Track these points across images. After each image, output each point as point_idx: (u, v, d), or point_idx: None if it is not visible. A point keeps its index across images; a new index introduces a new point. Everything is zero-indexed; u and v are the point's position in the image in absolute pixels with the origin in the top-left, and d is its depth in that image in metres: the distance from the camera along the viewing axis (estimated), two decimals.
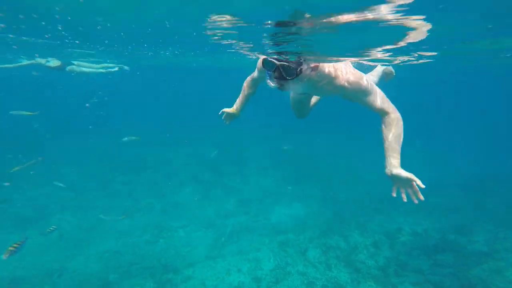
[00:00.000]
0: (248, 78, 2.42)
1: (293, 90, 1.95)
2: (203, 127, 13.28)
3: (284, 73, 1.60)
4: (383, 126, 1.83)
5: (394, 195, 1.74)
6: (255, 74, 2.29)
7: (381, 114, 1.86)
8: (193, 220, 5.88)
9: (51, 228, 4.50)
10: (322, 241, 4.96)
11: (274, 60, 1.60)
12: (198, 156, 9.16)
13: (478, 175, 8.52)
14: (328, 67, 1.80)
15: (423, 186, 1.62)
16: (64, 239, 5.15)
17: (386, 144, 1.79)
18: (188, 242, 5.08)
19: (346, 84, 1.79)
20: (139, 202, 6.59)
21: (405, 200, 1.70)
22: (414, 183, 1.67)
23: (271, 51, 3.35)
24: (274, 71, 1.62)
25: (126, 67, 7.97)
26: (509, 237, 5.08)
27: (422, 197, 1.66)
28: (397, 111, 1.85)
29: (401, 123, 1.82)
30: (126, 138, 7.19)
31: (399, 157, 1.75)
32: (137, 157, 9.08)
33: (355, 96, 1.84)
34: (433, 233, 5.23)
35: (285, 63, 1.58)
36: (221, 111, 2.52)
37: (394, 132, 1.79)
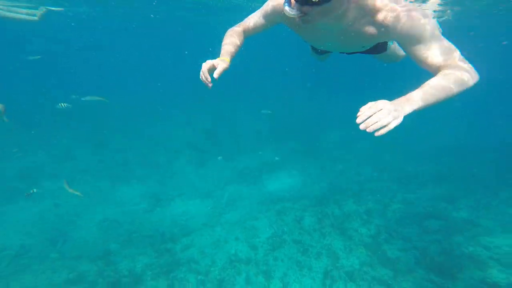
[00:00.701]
0: (237, 28, 1.75)
1: (317, 29, 1.42)
2: (195, 93, 12.36)
3: None
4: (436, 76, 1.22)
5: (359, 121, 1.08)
6: (253, 23, 1.69)
7: (440, 71, 1.26)
8: (190, 189, 5.88)
9: (32, 191, 4.43)
10: (317, 209, 5.11)
11: None
12: (192, 124, 8.72)
13: (476, 143, 8.59)
14: None
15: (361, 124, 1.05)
16: (60, 207, 5.12)
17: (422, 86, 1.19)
18: (185, 211, 5.15)
19: (393, 20, 1.25)
20: (134, 170, 6.44)
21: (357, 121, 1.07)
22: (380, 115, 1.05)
23: None
24: None
25: (57, 8, 6.23)
26: (490, 204, 5.37)
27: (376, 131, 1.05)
28: (473, 69, 1.22)
29: (465, 83, 1.18)
30: (88, 97, 6.11)
31: (418, 100, 1.13)
32: (131, 124, 8.60)
33: (405, 43, 1.28)
34: (424, 201, 5.45)
35: None
36: (209, 65, 1.50)
37: (446, 79, 1.17)
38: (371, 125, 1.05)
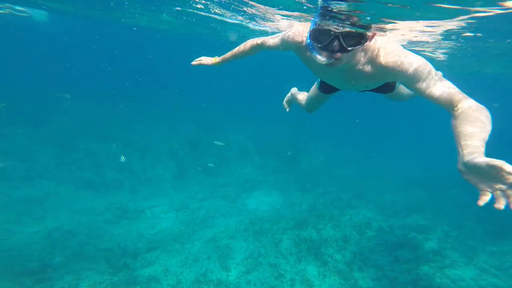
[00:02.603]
0: (255, 41, 1.97)
1: (340, 69, 1.52)
2: (181, 101, 12.29)
3: (346, 43, 1.31)
4: (454, 122, 1.26)
5: (481, 203, 0.98)
6: (271, 42, 1.87)
7: (448, 107, 1.34)
8: (164, 201, 5.54)
9: None
10: (295, 232, 5.01)
11: (333, 28, 1.32)
12: (175, 132, 8.47)
13: (443, 176, 9.22)
14: (373, 43, 1.46)
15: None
16: None
17: (458, 133, 1.18)
18: (154, 224, 4.79)
19: (387, 63, 1.41)
20: (103, 176, 5.96)
21: (501, 206, 0.94)
22: (503, 171, 0.90)
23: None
24: (329, 43, 1.32)
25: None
26: (458, 237, 5.64)
27: None
28: (472, 99, 1.30)
29: (484, 112, 1.23)
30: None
31: (480, 145, 1.07)
32: (104, 127, 8.07)
33: (404, 82, 1.45)
34: (396, 230, 5.59)
35: (350, 30, 1.31)
36: (200, 60, 2.22)
37: (472, 121, 1.18)
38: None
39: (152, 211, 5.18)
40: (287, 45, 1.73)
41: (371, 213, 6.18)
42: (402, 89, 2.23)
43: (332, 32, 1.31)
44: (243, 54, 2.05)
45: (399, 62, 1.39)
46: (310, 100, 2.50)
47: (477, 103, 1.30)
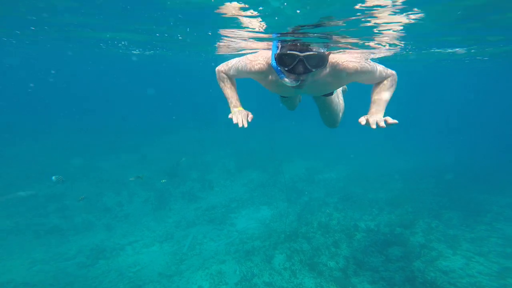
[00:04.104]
0: (224, 75, 1.93)
1: (308, 85, 1.69)
2: (151, 128, 12.02)
3: (310, 65, 1.44)
4: (376, 85, 1.81)
5: (363, 122, 1.54)
6: (232, 72, 1.86)
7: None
8: (146, 235, 5.15)
9: None
10: (287, 245, 4.90)
11: (297, 52, 1.41)
12: (148, 162, 8.13)
13: (417, 167, 9.80)
14: (331, 57, 1.73)
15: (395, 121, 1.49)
16: None
17: (372, 99, 1.77)
18: (137, 260, 4.39)
19: (347, 69, 1.71)
20: (71, 219, 5.42)
21: (363, 122, 1.54)
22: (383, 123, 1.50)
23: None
24: (295, 66, 1.43)
25: None
26: (438, 227, 5.91)
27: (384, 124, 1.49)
28: (394, 73, 1.82)
29: (394, 85, 1.81)
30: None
31: (381, 109, 1.70)
32: (66, 166, 7.47)
33: (358, 79, 1.80)
34: (383, 228, 5.73)
35: (312, 53, 1.42)
36: (244, 114, 1.83)
37: (384, 90, 1.78)
38: (372, 124, 1.47)
39: (133, 247, 4.76)
40: (245, 74, 1.79)
41: (358, 214, 6.31)
42: (336, 97, 2.58)
43: (296, 56, 1.42)
44: (233, 85, 1.98)
45: (353, 66, 1.71)
46: (283, 104, 2.81)
47: (393, 77, 1.81)
